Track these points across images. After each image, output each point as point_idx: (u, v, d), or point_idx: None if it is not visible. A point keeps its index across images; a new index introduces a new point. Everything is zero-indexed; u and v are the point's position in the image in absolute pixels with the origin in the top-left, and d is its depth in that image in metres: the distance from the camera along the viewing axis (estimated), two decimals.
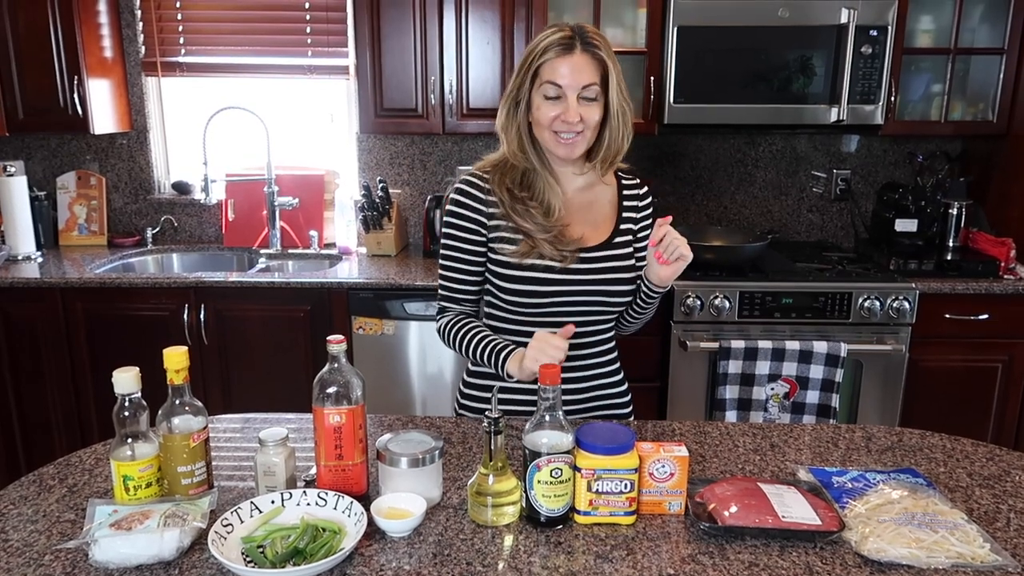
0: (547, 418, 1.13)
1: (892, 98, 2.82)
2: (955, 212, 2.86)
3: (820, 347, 2.58)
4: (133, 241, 3.33)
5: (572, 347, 1.49)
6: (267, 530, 1.10)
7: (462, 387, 1.65)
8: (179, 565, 1.03)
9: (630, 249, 1.56)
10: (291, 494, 1.15)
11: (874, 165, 3.25)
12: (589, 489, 1.13)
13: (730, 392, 2.63)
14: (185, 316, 2.76)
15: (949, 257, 2.84)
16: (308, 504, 1.15)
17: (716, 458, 1.37)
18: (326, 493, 1.15)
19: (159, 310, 2.77)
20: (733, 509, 1.13)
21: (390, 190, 3.14)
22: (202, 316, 2.76)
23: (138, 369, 1.13)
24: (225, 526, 1.08)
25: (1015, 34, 2.83)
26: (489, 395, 1.58)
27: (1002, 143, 2.94)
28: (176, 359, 1.13)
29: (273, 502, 1.14)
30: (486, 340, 1.48)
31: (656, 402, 2.74)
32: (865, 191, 3.24)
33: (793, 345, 2.58)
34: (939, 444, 1.44)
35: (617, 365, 1.64)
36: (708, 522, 1.13)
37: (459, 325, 1.53)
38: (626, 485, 1.13)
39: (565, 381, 1.53)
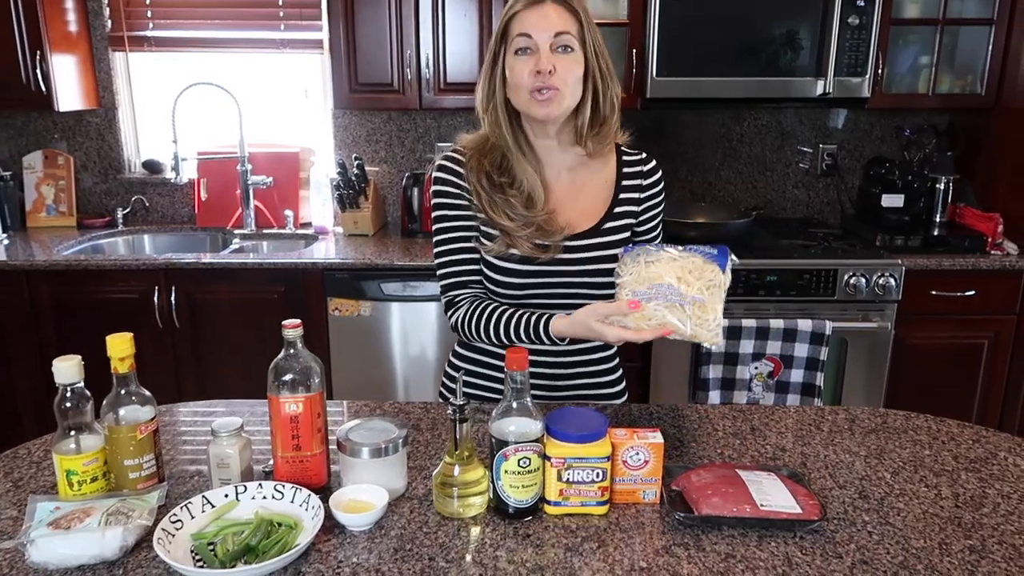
0: (515, 405, 1.07)
1: (879, 70, 2.75)
2: (942, 187, 2.81)
3: (805, 325, 2.53)
4: (103, 222, 3.24)
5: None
6: (219, 526, 1.04)
7: (449, 370, 1.58)
8: (124, 565, 0.97)
9: (624, 235, 1.44)
10: (246, 487, 1.09)
11: (860, 140, 3.20)
12: (559, 479, 1.08)
13: (713, 372, 2.58)
14: (155, 299, 2.68)
15: (936, 233, 2.80)
16: (264, 497, 1.09)
17: (695, 443, 1.32)
18: (283, 486, 1.09)
19: (128, 293, 2.69)
20: (710, 497, 1.08)
21: (366, 168, 3.06)
22: (172, 299, 2.68)
23: (80, 357, 1.07)
24: (174, 522, 1.02)
25: (1004, 4, 2.76)
26: (476, 379, 1.52)
27: (990, 116, 2.88)
28: (120, 346, 1.07)
29: (227, 496, 1.08)
30: (518, 316, 1.35)
31: (638, 382, 2.70)
32: (851, 166, 3.18)
33: (777, 323, 2.53)
34: (924, 426, 1.39)
35: (612, 351, 1.55)
36: (683, 511, 1.08)
37: (479, 311, 1.40)
38: (598, 474, 1.08)
39: (552, 366, 1.48)
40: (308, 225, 3.20)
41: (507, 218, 1.38)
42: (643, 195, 1.47)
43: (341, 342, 2.70)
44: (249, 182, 3.15)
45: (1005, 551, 1.01)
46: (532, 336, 1.35)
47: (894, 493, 1.16)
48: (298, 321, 1.12)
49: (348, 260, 2.68)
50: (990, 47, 2.80)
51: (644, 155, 1.49)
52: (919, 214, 2.84)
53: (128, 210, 3.27)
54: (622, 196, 1.46)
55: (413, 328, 2.70)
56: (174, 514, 1.03)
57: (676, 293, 1.16)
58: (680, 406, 1.46)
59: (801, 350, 2.56)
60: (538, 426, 1.08)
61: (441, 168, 1.44)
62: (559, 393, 1.49)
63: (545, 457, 1.08)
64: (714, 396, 2.60)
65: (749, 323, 2.53)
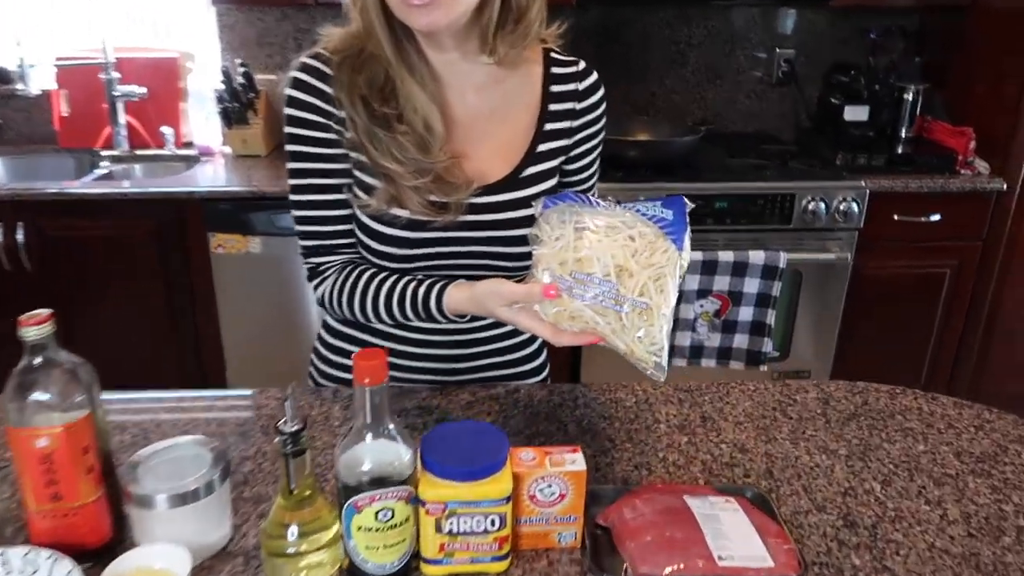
0: (368, 434, 0.74)
1: None
2: (910, 97, 2.50)
3: (756, 257, 2.24)
4: None
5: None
6: None
7: (320, 348, 1.22)
8: None
9: (551, 182, 1.08)
10: None
11: (820, 44, 2.85)
12: (439, 530, 0.76)
13: None
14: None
15: (901, 150, 2.52)
16: (9, 573, 0.75)
17: (629, 442, 1.02)
18: (37, 553, 0.75)
19: None
20: (648, 546, 0.78)
21: (256, 76, 2.60)
22: (20, 237, 2.24)
23: None
24: None
25: None
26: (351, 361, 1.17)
27: (966, 16, 2.56)
28: None
29: None
30: (402, 286, 1.01)
31: None
32: (810, 74, 2.84)
33: (726, 256, 2.24)
34: (913, 406, 1.12)
35: None
36: (611, 562, 0.78)
37: (351, 280, 1.05)
38: (493, 522, 0.77)
39: (447, 345, 1.14)
40: (191, 144, 2.74)
41: (393, 160, 0.99)
42: (576, 122, 1.10)
43: (228, 285, 2.32)
44: (116, 93, 2.66)
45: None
46: (421, 313, 1.01)
47: (888, 516, 0.88)
48: (44, 313, 0.75)
49: (232, 188, 2.27)
50: None
51: (582, 65, 1.11)
52: (883, 128, 2.55)
53: None
54: (549, 127, 1.08)
55: None
56: None
57: (611, 293, 0.83)
58: (612, 386, 1.15)
59: (751, 285, 2.28)
60: (406, 457, 0.75)
61: (297, 83, 1.02)
62: (459, 377, 1.17)
63: (418, 502, 0.76)
64: None
65: (695, 256, 2.23)
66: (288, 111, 1.03)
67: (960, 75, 2.59)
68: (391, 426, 0.74)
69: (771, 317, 2.31)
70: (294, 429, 0.74)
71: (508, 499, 0.77)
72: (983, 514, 0.89)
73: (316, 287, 1.09)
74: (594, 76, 1.12)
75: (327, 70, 1.01)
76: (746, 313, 2.32)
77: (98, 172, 2.62)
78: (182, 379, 2.39)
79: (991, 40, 2.46)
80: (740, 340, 2.35)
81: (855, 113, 2.48)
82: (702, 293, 2.30)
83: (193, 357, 2.39)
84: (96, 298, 2.32)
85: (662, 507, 0.83)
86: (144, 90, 2.69)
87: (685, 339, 2.34)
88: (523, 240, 0.96)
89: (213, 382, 2.39)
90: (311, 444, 0.78)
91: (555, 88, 1.09)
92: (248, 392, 1.13)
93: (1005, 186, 2.37)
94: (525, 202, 1.04)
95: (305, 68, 1.02)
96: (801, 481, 0.94)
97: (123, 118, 2.70)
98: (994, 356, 2.61)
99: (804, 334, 2.45)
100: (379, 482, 0.74)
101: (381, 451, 0.74)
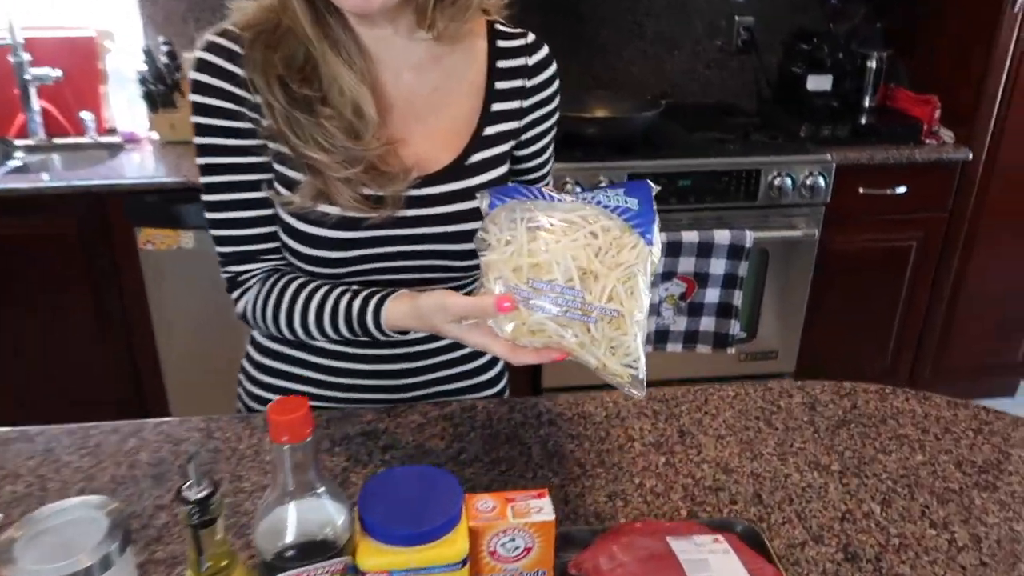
0: (291, 501, 0.61)
1: None
2: (873, 65, 2.42)
3: (722, 237, 2.15)
4: None
5: None
6: None
7: (248, 367, 1.08)
8: None
9: (501, 171, 0.97)
10: None
11: (778, 10, 2.74)
12: None
13: None
14: None
15: (865, 120, 2.43)
16: None
17: (601, 466, 0.91)
18: None
19: None
20: None
21: (182, 55, 2.40)
22: None
23: None
24: None
25: None
26: (288, 383, 1.04)
27: None
28: None
29: None
30: (335, 298, 0.89)
31: None
32: (769, 42, 2.74)
33: (691, 237, 2.15)
34: (906, 408, 1.03)
35: None
36: None
37: (277, 291, 0.92)
38: None
39: (394, 359, 1.02)
40: (114, 131, 2.53)
41: (318, 148, 0.86)
42: (527, 102, 0.98)
43: (160, 285, 2.14)
44: (27, 76, 2.43)
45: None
46: (357, 329, 0.88)
47: (891, 545, 0.79)
48: None
49: (160, 179, 2.09)
50: None
51: (531, 38, 0.99)
52: (846, 97, 2.46)
53: None
54: (496, 108, 0.96)
55: None
56: None
57: (576, 301, 0.71)
58: (579, 399, 1.04)
59: (717, 266, 2.19)
60: (340, 520, 0.63)
61: (203, 66, 0.87)
62: (407, 394, 1.04)
63: (357, 572, 0.64)
64: None
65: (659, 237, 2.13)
66: (194, 98, 0.88)
67: (922, 41, 2.51)
68: (320, 487, 0.62)
69: (738, 298, 2.23)
70: (202, 494, 0.61)
71: (464, 562, 0.65)
72: (994, 536, 0.80)
73: (236, 300, 0.95)
74: (545, 50, 0.99)
75: (237, 49, 0.86)
76: (712, 295, 2.23)
77: (12, 164, 2.40)
78: (113, 387, 2.22)
79: (953, 4, 2.38)
80: (707, 323, 2.27)
81: (818, 83, 2.39)
82: (667, 276, 2.21)
83: (126, 360, 2.22)
84: (14, 305, 2.13)
85: (643, 553, 0.72)
86: (59, 73, 2.47)
87: (650, 324, 2.24)
88: (472, 236, 0.83)
89: (147, 388, 2.23)
90: (230, 498, 0.65)
91: (502, 64, 0.97)
92: (165, 422, 0.99)
93: (971, 155, 2.31)
94: (470, 193, 0.92)
95: (211, 47, 0.87)
96: (793, 506, 0.85)
97: (37, 104, 2.47)
98: (959, 327, 2.57)
99: (771, 313, 2.38)
100: (308, 552, 0.62)
101: (308, 516, 0.62)
